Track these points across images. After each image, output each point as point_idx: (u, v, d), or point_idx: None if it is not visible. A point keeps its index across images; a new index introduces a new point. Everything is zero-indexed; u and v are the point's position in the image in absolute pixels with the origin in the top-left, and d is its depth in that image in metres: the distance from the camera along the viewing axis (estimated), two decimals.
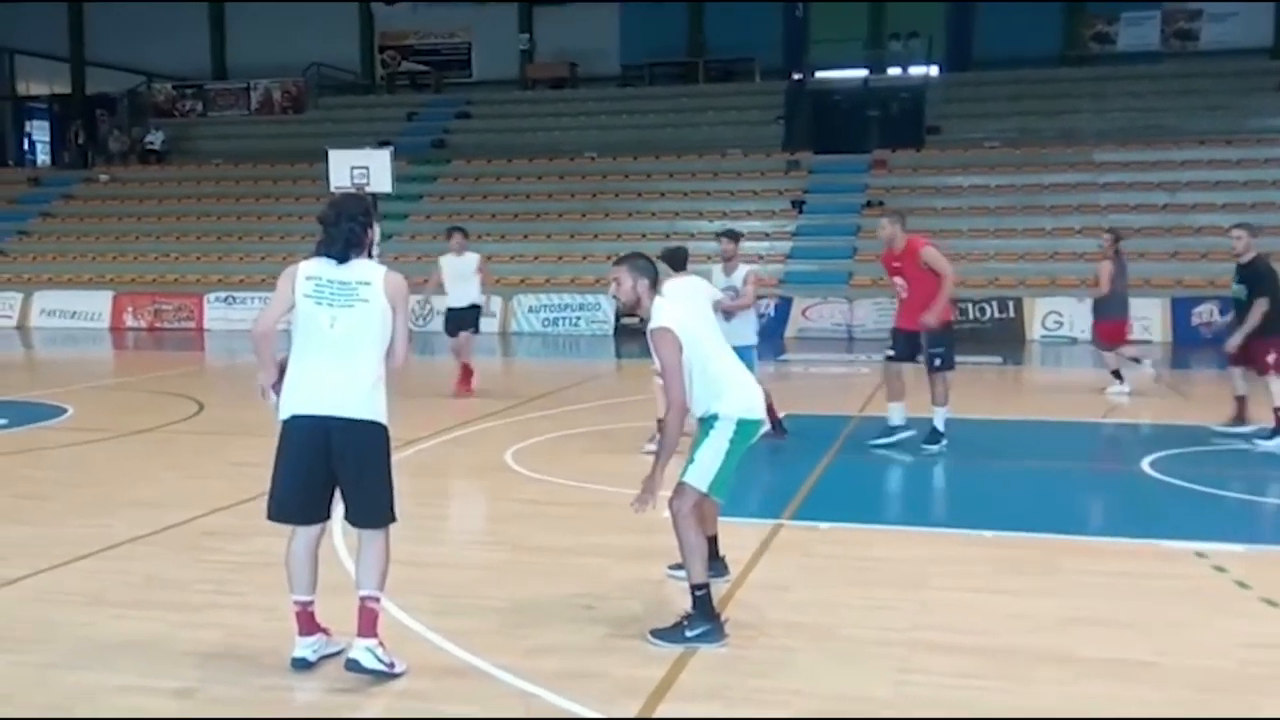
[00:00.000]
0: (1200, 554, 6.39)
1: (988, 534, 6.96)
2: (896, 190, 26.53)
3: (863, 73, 31.46)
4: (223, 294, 25.21)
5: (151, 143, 32.77)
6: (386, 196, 21.91)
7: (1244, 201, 23.87)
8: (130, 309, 25.33)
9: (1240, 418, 10.23)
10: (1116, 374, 13.46)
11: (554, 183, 28.39)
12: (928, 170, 27.13)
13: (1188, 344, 20.57)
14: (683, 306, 5.38)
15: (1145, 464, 8.98)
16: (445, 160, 30.30)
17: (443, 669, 4.78)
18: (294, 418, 4.70)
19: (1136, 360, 13.66)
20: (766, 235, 25.97)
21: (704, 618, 5.04)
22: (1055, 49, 30.65)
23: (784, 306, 22.71)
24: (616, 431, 10.61)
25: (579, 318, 23.49)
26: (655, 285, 5.26)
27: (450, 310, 13.38)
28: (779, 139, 29.43)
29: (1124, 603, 5.65)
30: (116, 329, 24.85)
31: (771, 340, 21.67)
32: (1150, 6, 30.35)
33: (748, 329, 9.54)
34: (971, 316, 21.71)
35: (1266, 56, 29.02)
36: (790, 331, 22.35)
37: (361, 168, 21.13)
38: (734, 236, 9.96)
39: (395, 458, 9.25)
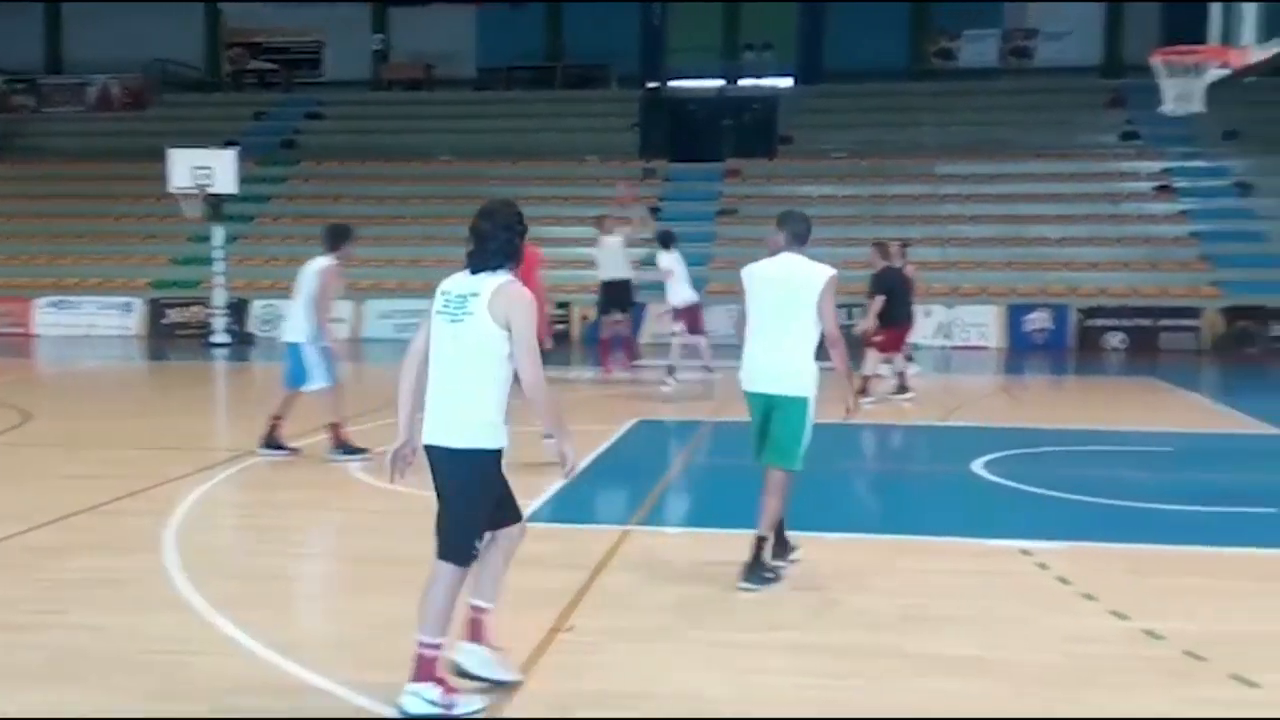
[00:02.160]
0: (1025, 551, 6.68)
1: (829, 536, 7.14)
2: (749, 199, 27.03)
3: (717, 82, 31.97)
4: (55, 298, 24.08)
5: None
6: (231, 198, 21.28)
7: (1076, 213, 25.10)
8: None
9: (865, 391, 12.53)
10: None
11: (408, 185, 28.02)
12: (779, 179, 27.70)
13: (1021, 349, 21.52)
14: (766, 268, 6.11)
15: (977, 465, 9.35)
16: (295, 161, 29.61)
17: (277, 687, 4.66)
18: (425, 448, 4.45)
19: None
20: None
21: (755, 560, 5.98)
22: (901, 63, 31.68)
23: (637, 312, 22.85)
24: None
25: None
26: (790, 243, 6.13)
27: None
28: (635, 146, 29.66)
29: (955, 600, 5.87)
30: None
31: (627, 346, 21.81)
32: (990, 20, 31.64)
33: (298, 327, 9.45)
34: None
35: (1097, 75, 30.58)
36: (644, 338, 22.51)
37: (204, 168, 20.47)
38: None
39: (233, 469, 9.02)
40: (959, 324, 21.78)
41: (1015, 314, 22.09)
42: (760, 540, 6.04)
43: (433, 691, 4.34)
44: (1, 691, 4.60)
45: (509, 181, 27.95)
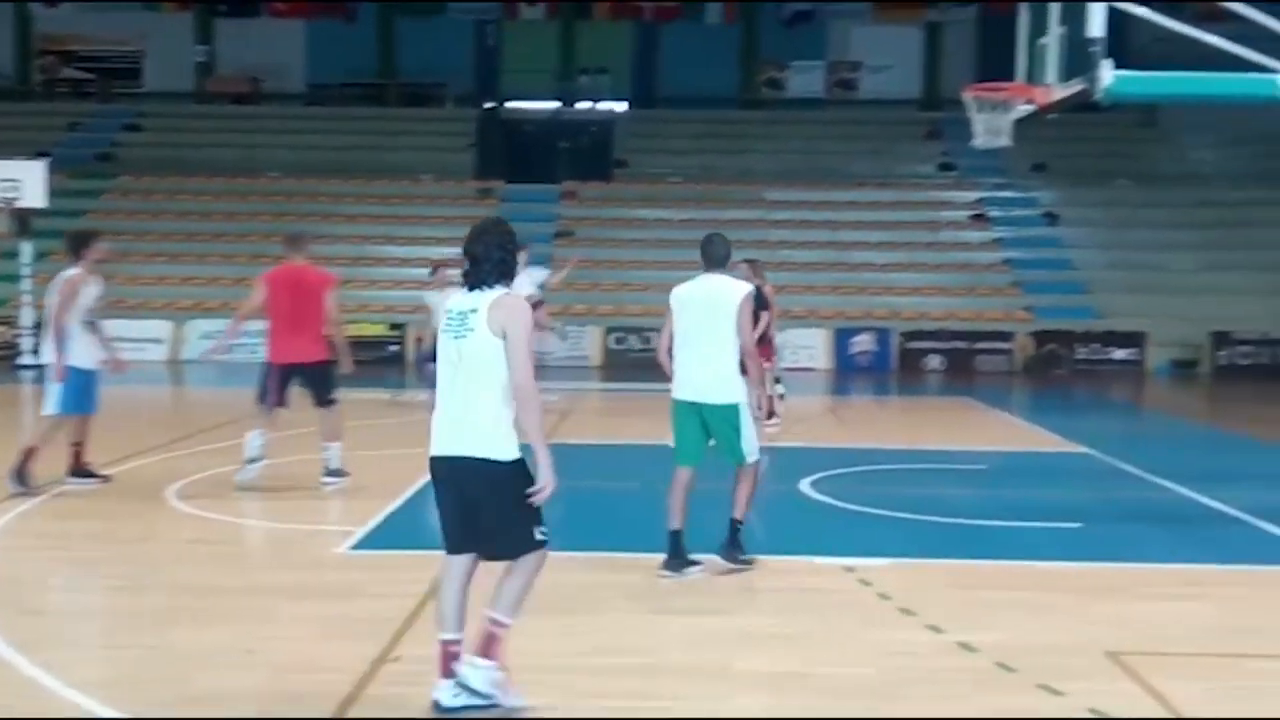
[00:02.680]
0: (849, 568, 6.87)
1: (656, 556, 7.18)
2: (586, 221, 27.17)
3: (554, 105, 32.06)
4: None
5: None
6: (41, 212, 20.20)
7: (897, 240, 26.08)
8: None
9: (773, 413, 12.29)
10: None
11: (234, 202, 27.14)
12: (615, 203, 27.95)
13: (847, 371, 22.21)
14: (690, 288, 6.79)
15: (804, 484, 9.58)
16: (112, 174, 28.31)
17: None
18: (431, 459, 4.65)
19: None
20: (459, 263, 25.88)
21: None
22: (732, 92, 32.42)
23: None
24: (292, 465, 10.21)
25: (260, 345, 22.47)
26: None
27: None
28: (471, 166, 29.48)
29: (780, 617, 5.99)
30: None
31: None
32: (816, 52, 32.68)
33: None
34: (638, 347, 22.46)
35: (916, 107, 31.92)
36: None
37: (11, 180, 19.38)
38: None
39: (38, 500, 8.52)
40: (789, 346, 22.24)
41: (841, 337, 22.79)
42: (736, 523, 6.86)
43: (495, 673, 4.55)
44: None
45: (340, 200, 27.41)
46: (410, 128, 30.85)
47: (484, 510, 4.56)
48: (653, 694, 4.89)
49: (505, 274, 4.60)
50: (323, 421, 9.27)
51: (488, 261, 4.56)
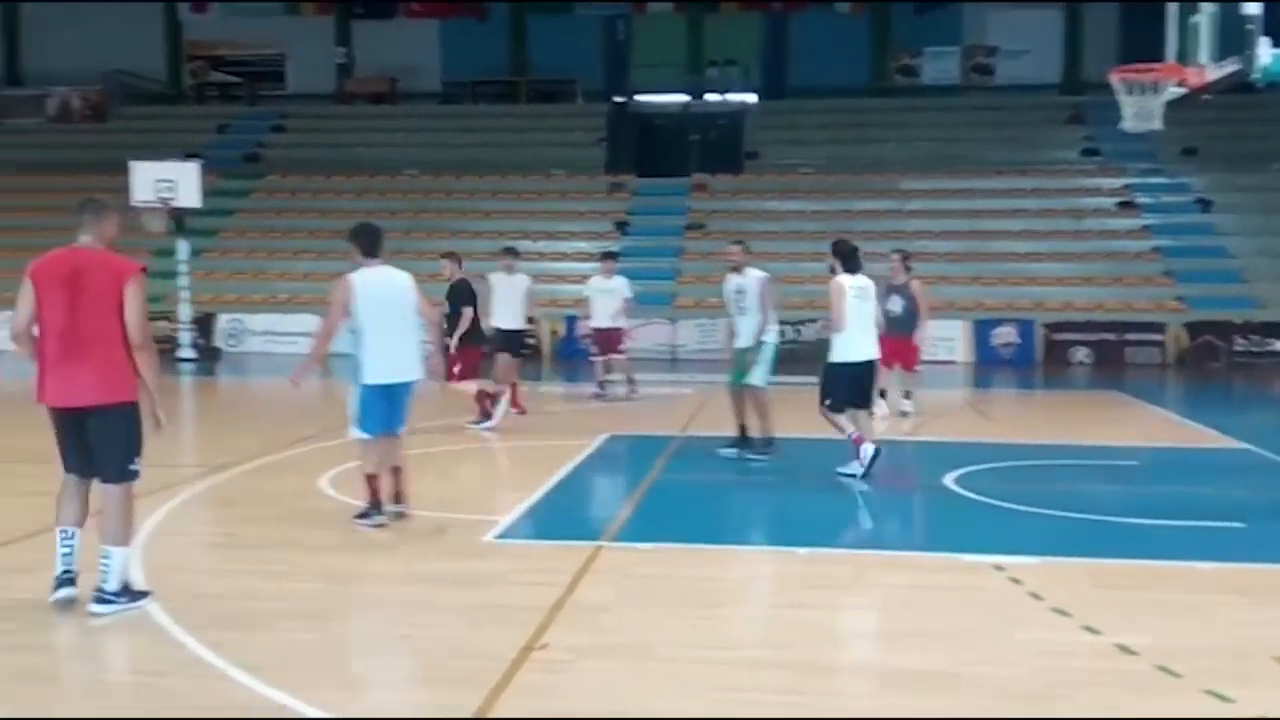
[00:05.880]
0: (998, 567, 6.68)
1: (802, 550, 7.13)
2: (718, 214, 27.12)
3: (683, 98, 32.09)
4: (8, 312, 23.68)
5: None
6: (195, 211, 21.08)
7: (1039, 228, 25.35)
8: None
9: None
10: (907, 394, 13.82)
11: (374, 199, 27.89)
12: (747, 195, 27.83)
13: (988, 363, 21.66)
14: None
15: (949, 480, 9.37)
16: (259, 174, 29.41)
17: (247, 706, 4.57)
18: (860, 362, 9.39)
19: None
20: (591, 256, 26.10)
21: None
22: (864, 80, 31.93)
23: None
24: (442, 454, 10.43)
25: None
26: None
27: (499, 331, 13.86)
28: (602, 160, 29.70)
29: (928, 615, 5.86)
30: None
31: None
32: (951, 37, 31.95)
33: None
34: (788, 338, 22.31)
35: (1057, 92, 30.93)
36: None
37: (167, 180, 20.27)
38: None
39: (201, 486, 8.87)
40: (926, 339, 21.86)
41: (982, 329, 22.24)
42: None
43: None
44: None
45: (476, 196, 27.93)
46: (541, 124, 31.25)
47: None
48: (801, 689, 4.83)
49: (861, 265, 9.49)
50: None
51: (856, 259, 9.37)
